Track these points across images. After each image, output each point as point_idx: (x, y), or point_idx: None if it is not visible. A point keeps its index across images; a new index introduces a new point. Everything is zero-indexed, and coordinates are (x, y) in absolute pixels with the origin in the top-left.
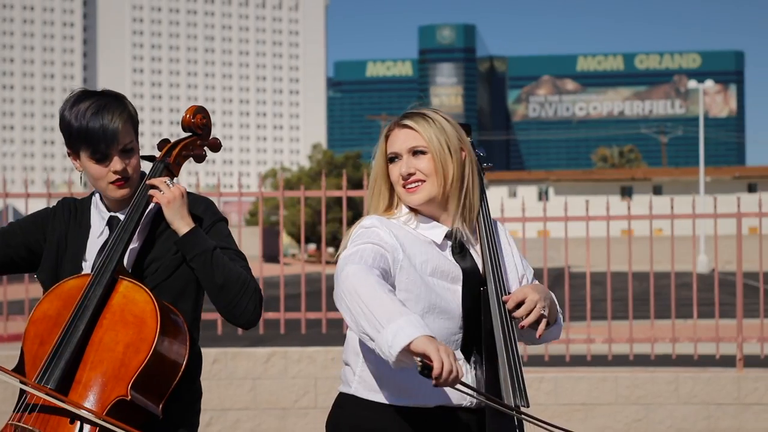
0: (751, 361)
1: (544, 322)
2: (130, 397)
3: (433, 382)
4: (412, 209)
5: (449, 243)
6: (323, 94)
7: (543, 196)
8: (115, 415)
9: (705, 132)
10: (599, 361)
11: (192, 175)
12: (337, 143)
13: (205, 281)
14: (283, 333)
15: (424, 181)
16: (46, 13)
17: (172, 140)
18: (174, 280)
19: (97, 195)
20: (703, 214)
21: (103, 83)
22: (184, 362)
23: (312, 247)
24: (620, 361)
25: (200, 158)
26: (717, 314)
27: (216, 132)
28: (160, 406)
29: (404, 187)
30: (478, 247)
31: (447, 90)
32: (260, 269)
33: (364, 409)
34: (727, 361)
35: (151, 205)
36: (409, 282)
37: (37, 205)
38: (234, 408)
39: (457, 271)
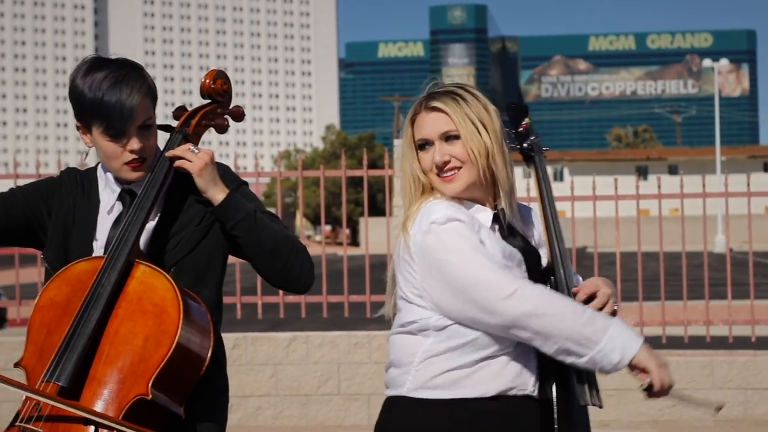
0: None
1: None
2: (151, 396)
3: (647, 395)
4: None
5: (497, 226)
6: (335, 76)
7: (558, 176)
8: (134, 415)
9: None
10: None
11: None
12: (350, 124)
13: (251, 248)
14: (304, 317)
15: (461, 167)
16: (57, 9)
17: (190, 108)
18: (197, 255)
19: (102, 166)
20: (713, 193)
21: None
22: (209, 354)
23: (327, 228)
24: (652, 343)
25: (222, 128)
26: (752, 295)
27: None
28: (183, 404)
29: (439, 175)
30: (525, 230)
31: (459, 70)
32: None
33: (417, 409)
34: (764, 344)
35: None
36: None
37: None
38: (255, 395)
39: (518, 254)
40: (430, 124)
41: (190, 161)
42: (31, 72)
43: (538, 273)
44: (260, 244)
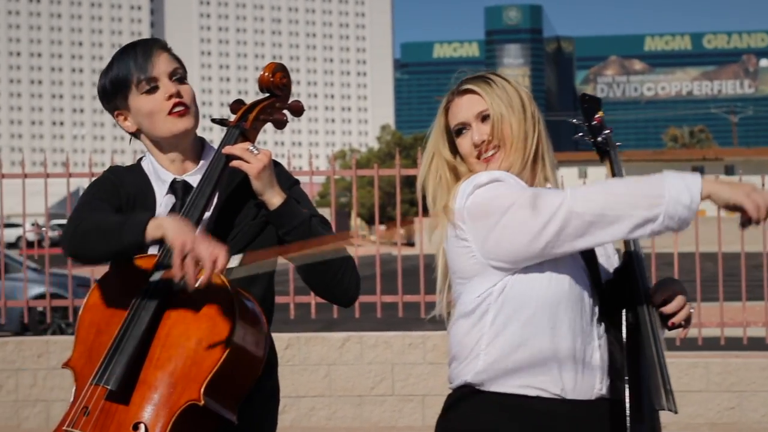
0: None
1: (690, 321)
2: (203, 402)
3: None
4: None
5: None
6: (390, 76)
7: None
8: (184, 421)
9: None
10: (688, 345)
11: None
12: (404, 125)
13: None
14: (358, 317)
15: (498, 147)
16: (114, 10)
17: (247, 102)
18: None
19: (149, 157)
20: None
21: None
22: (264, 358)
23: (382, 228)
24: (710, 344)
25: (280, 124)
26: None
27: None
28: (236, 409)
29: (478, 158)
30: None
31: (514, 71)
32: (355, 250)
33: (481, 405)
34: None
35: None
36: None
37: None
38: (308, 395)
39: None
40: (465, 106)
41: (249, 162)
42: (88, 72)
43: (589, 260)
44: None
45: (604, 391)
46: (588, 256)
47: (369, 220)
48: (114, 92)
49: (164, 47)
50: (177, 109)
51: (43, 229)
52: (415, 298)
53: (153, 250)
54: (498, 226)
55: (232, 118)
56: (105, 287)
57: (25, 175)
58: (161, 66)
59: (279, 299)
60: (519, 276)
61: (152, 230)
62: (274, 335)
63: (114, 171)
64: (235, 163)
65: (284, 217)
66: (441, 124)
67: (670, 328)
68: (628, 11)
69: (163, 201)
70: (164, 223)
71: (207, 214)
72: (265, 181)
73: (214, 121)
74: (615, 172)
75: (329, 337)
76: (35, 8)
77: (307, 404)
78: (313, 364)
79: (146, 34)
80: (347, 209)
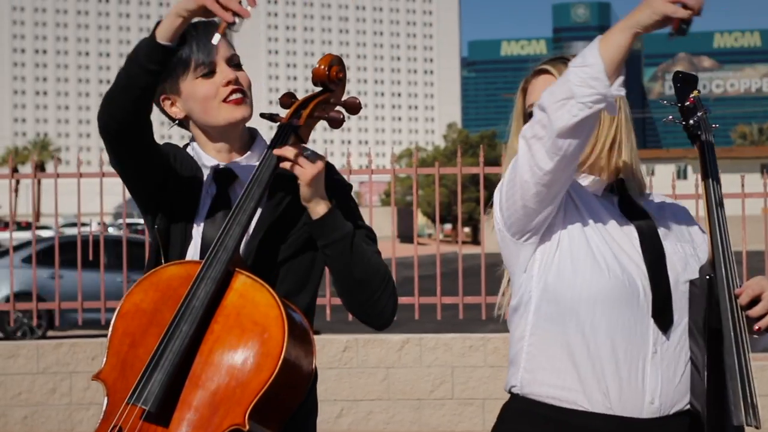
0: None
1: None
2: (247, 427)
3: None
4: None
5: (615, 198)
6: (458, 74)
7: (681, 174)
8: None
9: None
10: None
11: (343, 156)
12: (471, 123)
13: (339, 273)
14: (417, 318)
15: None
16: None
17: (300, 97)
18: (303, 256)
19: (194, 145)
20: None
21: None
22: (312, 375)
23: (448, 227)
24: None
25: (336, 122)
26: None
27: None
28: (280, 431)
29: None
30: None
31: None
32: (393, 251)
33: (520, 414)
34: None
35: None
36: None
37: None
38: (366, 398)
39: (632, 229)
40: (539, 87)
41: (302, 167)
42: None
43: (653, 254)
44: (350, 271)
45: (658, 405)
46: (652, 252)
47: (434, 219)
48: (166, 74)
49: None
50: (234, 96)
51: (61, 228)
52: (476, 299)
53: (195, 239)
54: (503, 189)
55: (284, 113)
56: (141, 293)
57: (80, 175)
58: (221, 50)
59: (336, 300)
60: (556, 267)
61: (163, 24)
62: (331, 337)
63: (168, 144)
64: (286, 165)
65: (326, 228)
66: (519, 107)
67: (757, 334)
68: None
69: (209, 189)
70: (173, 8)
71: (255, 219)
72: (315, 188)
73: (263, 116)
74: (705, 161)
75: (388, 339)
76: (83, 7)
77: (365, 408)
78: (371, 367)
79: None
80: (412, 208)
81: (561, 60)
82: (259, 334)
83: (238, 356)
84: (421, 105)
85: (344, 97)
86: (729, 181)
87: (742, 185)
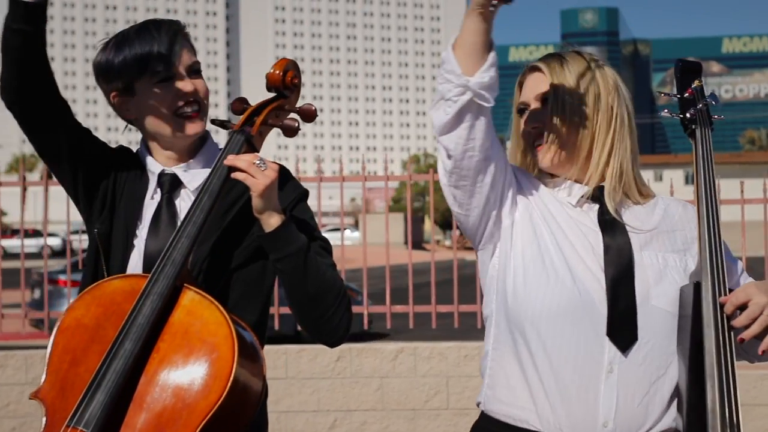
0: None
1: None
2: None
3: None
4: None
5: (596, 206)
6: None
7: (690, 179)
8: None
9: None
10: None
11: (335, 162)
12: None
13: (292, 288)
14: (412, 327)
15: (554, 137)
16: (189, 16)
17: (253, 103)
18: (251, 268)
19: (142, 147)
20: None
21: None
22: (261, 395)
23: (457, 233)
24: None
25: (291, 131)
26: None
27: (359, 118)
28: None
29: (533, 144)
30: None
31: None
32: (410, 257)
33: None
34: None
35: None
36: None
37: None
38: (360, 409)
39: (599, 243)
40: (529, 85)
41: (254, 177)
42: None
43: (616, 268)
44: (303, 286)
45: (611, 429)
46: (616, 265)
47: (443, 225)
48: (121, 72)
49: (186, 34)
50: (188, 110)
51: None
52: (472, 308)
53: (138, 247)
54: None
55: (236, 120)
56: (83, 308)
57: None
58: (184, 56)
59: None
60: (511, 280)
61: None
62: (324, 346)
63: (122, 148)
64: (238, 176)
65: (279, 241)
66: (515, 103)
67: (760, 351)
68: (705, 13)
69: (154, 196)
70: None
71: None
72: (268, 199)
73: (214, 122)
74: (700, 155)
75: (382, 348)
76: (111, 2)
77: (359, 418)
78: (365, 377)
79: (221, 28)
80: (420, 214)
81: (556, 57)
82: (208, 354)
83: (186, 377)
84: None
85: (300, 104)
86: (735, 187)
87: (741, 191)
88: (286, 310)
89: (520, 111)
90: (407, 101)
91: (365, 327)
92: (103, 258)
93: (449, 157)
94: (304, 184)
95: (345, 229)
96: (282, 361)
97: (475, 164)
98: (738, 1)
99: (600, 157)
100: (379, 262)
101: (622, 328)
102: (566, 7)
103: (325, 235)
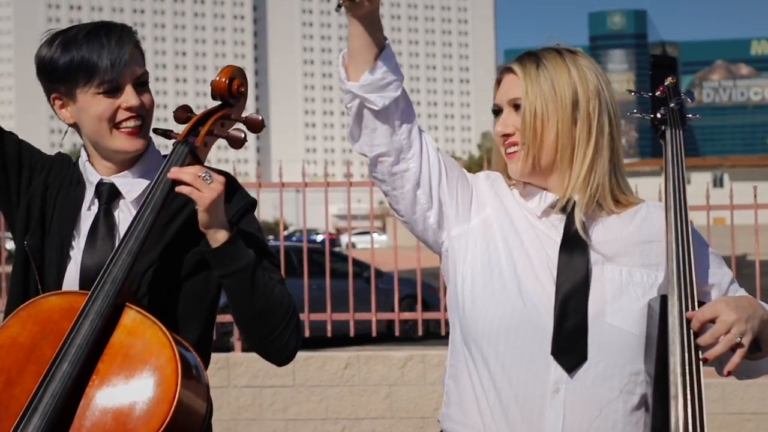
0: None
1: (739, 353)
2: None
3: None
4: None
5: (562, 217)
6: (493, 82)
7: (717, 182)
8: None
9: None
10: None
11: (363, 165)
12: None
13: (239, 305)
14: (421, 335)
15: (526, 145)
16: (217, 20)
17: (197, 112)
18: (194, 281)
19: (83, 155)
20: None
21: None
22: (205, 417)
23: None
24: None
25: (236, 142)
26: None
27: None
28: None
29: (506, 151)
30: (604, 234)
31: (619, 76)
32: (418, 263)
33: None
34: None
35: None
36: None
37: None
38: (369, 417)
39: (552, 257)
40: (503, 88)
41: (200, 191)
42: (191, 69)
43: (567, 284)
44: (250, 303)
45: None
46: (568, 281)
47: None
48: (65, 75)
49: (137, 43)
50: (130, 124)
51: None
52: None
53: (74, 259)
54: None
55: (179, 129)
56: (18, 325)
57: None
58: (132, 68)
59: (336, 316)
60: (461, 293)
61: None
62: (332, 354)
63: (61, 155)
64: (183, 189)
65: (225, 257)
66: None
67: (725, 372)
68: (733, 15)
69: (91, 207)
70: None
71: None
72: (214, 214)
73: (156, 132)
74: (666, 160)
75: (390, 355)
76: (138, 5)
77: (368, 426)
78: (374, 384)
79: (249, 32)
80: None
81: (533, 58)
82: (150, 377)
83: (127, 400)
84: (457, 113)
85: (245, 114)
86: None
87: (755, 196)
88: None
89: (495, 113)
90: (435, 104)
91: (373, 334)
92: (37, 273)
93: (369, 164)
94: (332, 189)
95: (374, 232)
96: (290, 369)
97: (388, 170)
98: (766, 3)
99: (581, 170)
100: (409, 265)
101: (569, 346)
102: (594, 10)
103: (354, 238)
